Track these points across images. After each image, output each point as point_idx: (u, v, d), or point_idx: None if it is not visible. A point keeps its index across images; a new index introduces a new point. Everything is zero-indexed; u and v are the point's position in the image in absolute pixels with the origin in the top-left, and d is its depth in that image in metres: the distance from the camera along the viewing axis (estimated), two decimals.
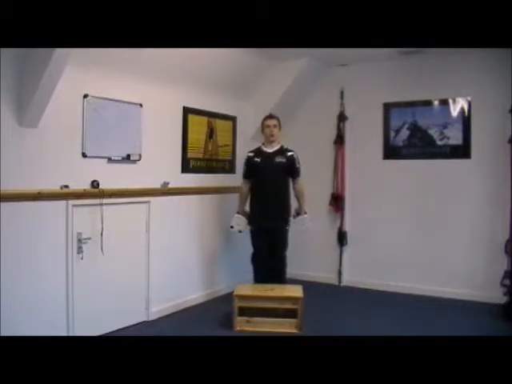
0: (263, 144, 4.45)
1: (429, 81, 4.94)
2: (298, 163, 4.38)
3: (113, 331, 3.71)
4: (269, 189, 4.29)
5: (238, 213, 4.47)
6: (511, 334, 3.67)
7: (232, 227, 4.47)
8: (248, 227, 4.45)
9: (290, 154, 4.34)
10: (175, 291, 4.39)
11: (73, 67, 3.17)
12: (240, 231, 4.48)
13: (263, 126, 4.42)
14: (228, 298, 4.27)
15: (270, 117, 4.41)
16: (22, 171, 3.10)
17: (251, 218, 4.40)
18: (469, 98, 4.79)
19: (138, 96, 3.92)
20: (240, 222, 4.44)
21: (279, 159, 4.30)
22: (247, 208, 4.50)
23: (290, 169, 4.33)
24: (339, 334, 3.62)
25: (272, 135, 4.33)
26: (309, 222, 4.45)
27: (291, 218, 4.42)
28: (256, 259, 4.42)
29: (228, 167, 5.13)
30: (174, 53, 3.76)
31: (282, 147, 4.39)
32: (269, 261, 4.37)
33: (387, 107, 5.21)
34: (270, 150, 4.36)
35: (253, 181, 4.41)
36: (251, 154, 4.41)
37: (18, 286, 3.07)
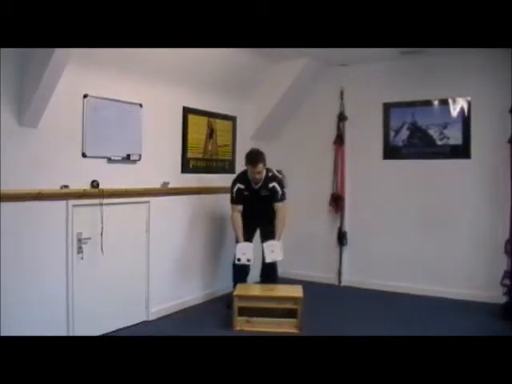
0: (249, 176, 4.25)
1: (429, 81, 4.94)
2: (281, 189, 4.23)
3: (113, 331, 3.71)
4: (256, 212, 4.31)
5: (237, 242, 4.19)
6: (511, 334, 3.67)
7: (239, 260, 4.09)
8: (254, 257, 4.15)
9: (271, 185, 4.21)
10: (175, 291, 4.39)
11: (73, 67, 3.17)
12: (249, 260, 4.09)
13: (247, 167, 4.24)
14: (228, 298, 4.27)
15: (254, 162, 4.13)
16: (21, 171, 3.10)
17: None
18: (469, 98, 4.79)
19: (137, 96, 3.92)
20: (246, 251, 4.10)
21: (264, 193, 4.24)
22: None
23: (273, 197, 4.24)
24: (339, 334, 3.62)
25: (256, 180, 4.20)
26: (281, 251, 4.12)
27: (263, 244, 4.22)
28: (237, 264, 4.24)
29: (228, 167, 5.13)
30: (174, 53, 3.75)
31: (266, 178, 4.23)
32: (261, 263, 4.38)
33: (387, 107, 5.21)
34: (256, 186, 4.25)
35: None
36: (242, 187, 4.25)
37: (18, 285, 3.07)
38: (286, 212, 4.28)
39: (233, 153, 5.18)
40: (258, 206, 4.29)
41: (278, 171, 5.67)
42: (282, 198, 4.25)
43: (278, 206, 4.23)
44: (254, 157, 4.17)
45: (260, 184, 4.24)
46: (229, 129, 5.12)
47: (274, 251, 4.10)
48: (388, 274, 5.12)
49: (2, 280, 2.95)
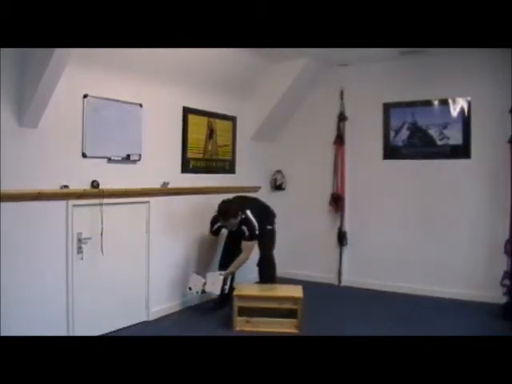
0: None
1: (429, 81, 4.94)
2: (249, 231, 4.23)
3: (113, 331, 3.71)
4: (236, 244, 4.38)
5: (196, 273, 4.26)
6: (511, 334, 3.67)
7: (190, 289, 4.18)
8: (204, 288, 4.16)
9: (243, 227, 4.25)
10: (175, 291, 4.39)
11: (73, 67, 3.17)
12: (197, 292, 4.17)
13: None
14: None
15: (224, 219, 4.19)
16: (21, 171, 3.10)
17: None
18: (469, 98, 4.79)
19: (137, 96, 3.92)
20: (197, 282, 4.16)
21: (239, 232, 4.29)
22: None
23: (242, 237, 4.30)
24: (339, 334, 3.62)
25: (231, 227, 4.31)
26: (224, 286, 4.10)
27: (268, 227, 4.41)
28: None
29: (228, 167, 5.13)
30: (174, 53, 3.76)
31: (240, 222, 4.25)
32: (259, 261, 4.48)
33: (387, 107, 5.21)
34: (232, 229, 4.33)
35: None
36: (222, 224, 4.32)
37: (17, 286, 3.07)
38: (250, 250, 4.32)
39: (233, 153, 5.18)
40: (238, 240, 4.39)
41: (277, 171, 5.72)
42: (250, 238, 4.27)
43: (244, 244, 4.30)
44: (224, 215, 4.18)
45: (235, 227, 4.30)
46: (229, 129, 5.12)
47: (214, 283, 4.12)
48: (388, 273, 5.12)
49: (2, 280, 2.95)
